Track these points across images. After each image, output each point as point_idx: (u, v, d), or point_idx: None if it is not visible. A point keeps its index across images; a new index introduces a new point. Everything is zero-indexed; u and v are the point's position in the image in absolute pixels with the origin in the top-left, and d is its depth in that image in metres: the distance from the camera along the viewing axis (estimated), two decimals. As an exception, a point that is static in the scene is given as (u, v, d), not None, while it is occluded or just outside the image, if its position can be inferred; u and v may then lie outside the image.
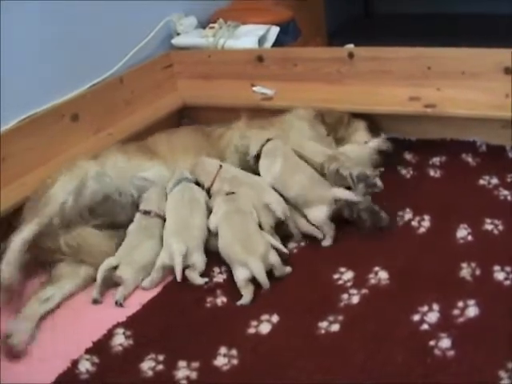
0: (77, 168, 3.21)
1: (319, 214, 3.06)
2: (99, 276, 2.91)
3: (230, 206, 3.04)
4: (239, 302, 2.72)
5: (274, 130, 3.55)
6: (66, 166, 3.25)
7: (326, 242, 3.05)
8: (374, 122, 3.76)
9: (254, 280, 2.79)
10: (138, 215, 3.23)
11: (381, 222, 3.04)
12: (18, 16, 3.50)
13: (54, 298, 2.93)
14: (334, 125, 3.67)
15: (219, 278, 2.94)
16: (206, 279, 2.90)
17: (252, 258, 2.79)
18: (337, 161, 3.21)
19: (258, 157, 3.39)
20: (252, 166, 3.41)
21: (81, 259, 3.07)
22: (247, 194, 3.13)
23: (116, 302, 2.86)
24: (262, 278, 2.77)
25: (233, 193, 3.13)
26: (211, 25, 4.52)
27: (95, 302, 2.90)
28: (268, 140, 3.41)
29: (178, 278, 2.88)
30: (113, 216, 3.27)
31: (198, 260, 2.95)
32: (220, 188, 3.23)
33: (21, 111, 3.55)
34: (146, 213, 3.21)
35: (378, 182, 3.07)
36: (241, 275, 2.79)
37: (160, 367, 2.48)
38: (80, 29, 3.85)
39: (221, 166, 3.35)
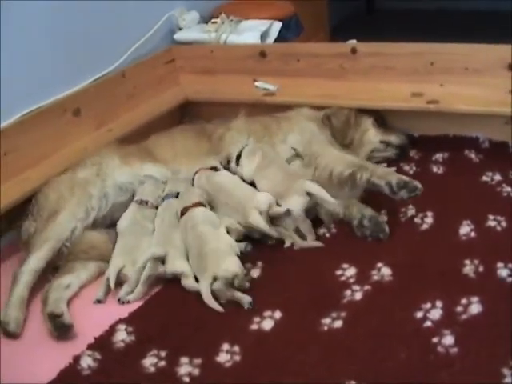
0: (81, 189, 3.25)
1: (294, 205, 3.05)
2: (112, 280, 2.91)
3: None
4: (246, 307, 2.69)
5: (283, 134, 3.54)
6: (67, 181, 3.30)
7: (310, 239, 3.06)
8: (380, 115, 3.76)
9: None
10: (133, 205, 3.25)
11: (380, 233, 3.02)
12: (21, 11, 3.49)
13: (73, 286, 2.98)
14: (342, 128, 3.65)
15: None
16: None
17: (201, 277, 2.81)
18: (366, 170, 3.14)
19: (238, 158, 3.42)
20: (233, 170, 3.42)
21: (82, 258, 3.10)
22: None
23: (119, 300, 2.86)
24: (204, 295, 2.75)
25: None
26: (213, 20, 4.50)
27: (99, 302, 2.91)
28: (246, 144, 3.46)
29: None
30: (111, 216, 3.30)
31: (185, 266, 2.93)
32: (200, 185, 3.29)
33: (23, 105, 3.54)
34: (143, 202, 3.23)
35: (418, 185, 3.01)
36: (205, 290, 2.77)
37: (162, 363, 2.48)
38: (82, 23, 3.83)
39: (215, 168, 3.38)
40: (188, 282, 2.87)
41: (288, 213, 3.02)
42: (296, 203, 3.05)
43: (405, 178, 3.04)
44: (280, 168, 3.28)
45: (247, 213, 3.01)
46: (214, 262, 2.81)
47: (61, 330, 2.71)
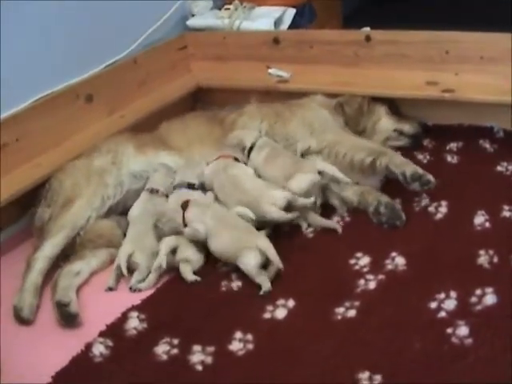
0: (97, 177, 3.24)
1: (301, 182, 3.05)
2: (123, 266, 2.90)
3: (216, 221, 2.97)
4: (262, 292, 2.69)
5: (297, 121, 3.52)
6: (83, 168, 3.29)
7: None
8: (394, 103, 3.73)
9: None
10: (144, 194, 3.25)
11: (396, 220, 3.02)
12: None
13: (83, 273, 2.98)
14: (355, 115, 3.63)
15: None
16: (198, 278, 2.85)
17: (259, 238, 2.81)
18: (385, 156, 3.16)
19: (250, 149, 3.39)
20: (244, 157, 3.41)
21: (89, 247, 3.09)
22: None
23: (130, 288, 2.86)
24: (273, 254, 2.76)
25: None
26: (226, 6, 4.48)
27: (110, 289, 2.90)
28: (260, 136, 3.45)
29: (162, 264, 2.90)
30: (125, 203, 3.30)
31: (190, 256, 2.92)
32: (214, 170, 3.27)
33: (36, 91, 3.53)
34: (154, 191, 3.22)
35: (432, 179, 3.03)
36: (252, 261, 2.75)
37: (174, 351, 2.48)
38: (95, 9, 3.81)
39: (236, 159, 3.34)
40: (184, 268, 2.88)
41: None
42: (303, 180, 3.06)
43: (420, 170, 3.04)
44: (288, 156, 3.29)
45: (263, 209, 2.98)
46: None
47: (67, 318, 2.71)
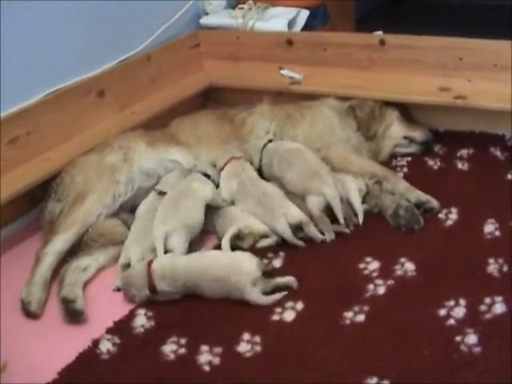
0: (109, 174, 3.23)
1: (311, 204, 3.02)
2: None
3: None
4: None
5: (305, 125, 3.54)
6: (94, 164, 3.28)
7: (328, 239, 3.00)
8: (405, 108, 3.73)
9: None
10: (152, 194, 3.24)
11: (415, 224, 3.02)
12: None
13: (91, 269, 2.98)
14: (367, 120, 3.62)
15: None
16: None
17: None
18: (388, 182, 3.21)
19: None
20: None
21: (93, 246, 3.08)
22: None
23: None
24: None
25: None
26: (240, 5, 4.47)
27: (118, 290, 2.88)
28: (266, 143, 3.43)
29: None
30: (135, 201, 3.28)
31: (175, 243, 2.92)
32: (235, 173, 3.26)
33: (48, 85, 3.52)
34: (162, 193, 3.20)
35: (435, 205, 3.11)
36: (254, 297, 2.66)
37: (182, 351, 2.48)
38: (109, 5, 3.81)
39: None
40: None
41: None
42: (311, 203, 3.03)
43: (423, 197, 3.14)
44: (297, 170, 3.20)
45: (276, 217, 2.98)
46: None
47: (72, 315, 2.71)
